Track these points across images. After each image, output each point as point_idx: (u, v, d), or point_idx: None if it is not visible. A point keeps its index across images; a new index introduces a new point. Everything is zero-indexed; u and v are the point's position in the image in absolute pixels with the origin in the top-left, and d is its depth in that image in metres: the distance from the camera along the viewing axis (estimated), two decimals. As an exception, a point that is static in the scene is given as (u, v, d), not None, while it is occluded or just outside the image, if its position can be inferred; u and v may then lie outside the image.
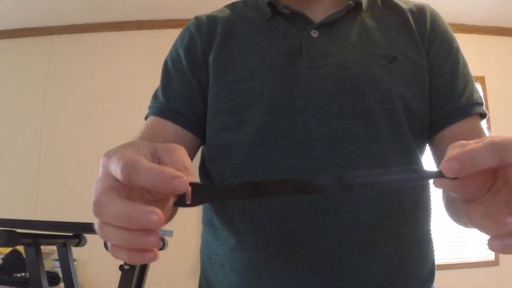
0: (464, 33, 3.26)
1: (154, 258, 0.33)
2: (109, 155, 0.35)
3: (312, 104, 0.64)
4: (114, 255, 0.34)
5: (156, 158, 0.36)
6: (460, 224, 0.59)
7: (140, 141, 0.38)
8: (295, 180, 0.36)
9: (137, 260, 0.33)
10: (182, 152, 0.37)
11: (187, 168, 0.35)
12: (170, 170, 0.32)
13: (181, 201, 0.34)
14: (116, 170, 0.33)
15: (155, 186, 0.32)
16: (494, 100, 3.29)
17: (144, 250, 0.33)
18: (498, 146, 0.33)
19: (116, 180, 0.34)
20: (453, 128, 0.67)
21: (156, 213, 0.31)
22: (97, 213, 0.33)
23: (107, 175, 0.34)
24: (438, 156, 0.70)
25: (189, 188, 0.34)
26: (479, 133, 0.67)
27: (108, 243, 0.34)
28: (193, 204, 0.34)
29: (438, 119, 0.68)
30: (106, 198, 0.33)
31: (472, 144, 0.35)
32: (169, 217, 0.42)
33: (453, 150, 0.36)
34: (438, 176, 0.35)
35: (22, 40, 3.33)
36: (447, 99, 0.68)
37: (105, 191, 0.33)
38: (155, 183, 0.32)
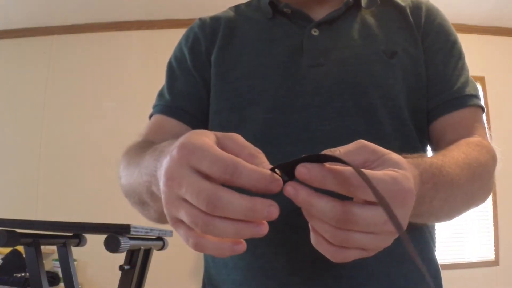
0: (464, 33, 3.26)
1: (243, 249, 0.35)
2: (189, 149, 0.34)
3: (314, 102, 0.64)
4: (201, 247, 0.35)
5: (220, 146, 0.36)
6: None
7: (201, 131, 0.37)
8: None
9: (227, 252, 0.34)
10: (242, 138, 0.37)
11: (259, 151, 0.36)
12: (267, 172, 0.33)
13: None
14: (212, 168, 0.33)
15: (254, 188, 0.33)
16: (494, 100, 3.28)
17: (236, 242, 0.34)
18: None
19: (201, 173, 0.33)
20: (442, 119, 0.67)
21: (275, 206, 0.33)
22: (214, 207, 0.32)
23: (191, 169, 0.34)
24: (432, 148, 0.70)
25: (278, 172, 0.35)
26: (470, 125, 0.66)
27: (189, 236, 0.35)
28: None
29: (429, 110, 0.68)
30: (226, 193, 0.33)
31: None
32: None
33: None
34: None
35: (22, 40, 3.33)
36: (437, 91, 0.68)
37: (217, 186, 0.33)
38: (256, 186, 0.33)
